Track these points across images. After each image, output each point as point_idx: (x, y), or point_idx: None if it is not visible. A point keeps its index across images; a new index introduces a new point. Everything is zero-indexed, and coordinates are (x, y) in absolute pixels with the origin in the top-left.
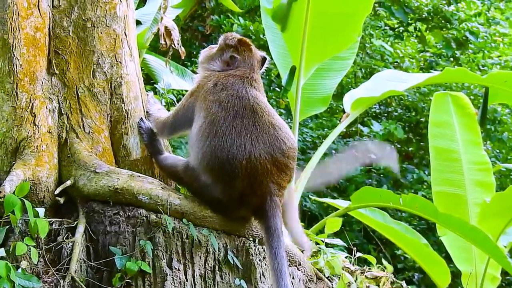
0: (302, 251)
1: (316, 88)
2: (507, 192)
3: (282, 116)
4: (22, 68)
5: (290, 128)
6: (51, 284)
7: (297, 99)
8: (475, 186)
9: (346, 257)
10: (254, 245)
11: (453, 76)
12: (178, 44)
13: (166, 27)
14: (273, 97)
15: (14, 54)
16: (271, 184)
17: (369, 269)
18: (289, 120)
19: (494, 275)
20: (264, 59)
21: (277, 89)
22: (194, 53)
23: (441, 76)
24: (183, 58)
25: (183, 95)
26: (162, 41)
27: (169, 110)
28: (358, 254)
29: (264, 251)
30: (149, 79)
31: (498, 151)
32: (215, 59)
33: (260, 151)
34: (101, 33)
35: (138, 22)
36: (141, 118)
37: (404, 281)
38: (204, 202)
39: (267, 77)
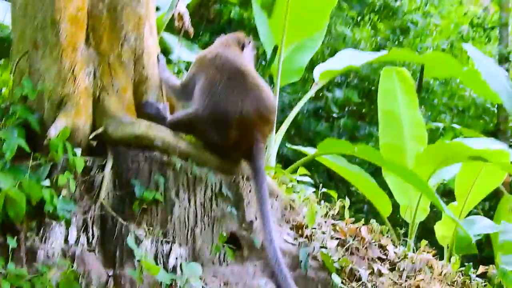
0: None
1: (293, 62)
2: (436, 145)
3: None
4: (66, 40)
5: (273, 93)
6: (85, 208)
7: (278, 70)
8: (411, 139)
9: (313, 192)
10: (243, 181)
11: (397, 55)
12: (188, 25)
13: (179, 12)
14: (260, 69)
15: (60, 29)
16: (257, 133)
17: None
18: (271, 86)
19: (424, 207)
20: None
21: (263, 62)
22: (200, 32)
23: (388, 55)
24: (191, 37)
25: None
26: (176, 23)
27: (178, 76)
28: (323, 190)
29: (250, 185)
30: (166, 53)
31: (429, 113)
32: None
33: (249, 107)
34: (128, 14)
35: (158, 8)
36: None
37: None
38: (205, 146)
39: (255, 53)
